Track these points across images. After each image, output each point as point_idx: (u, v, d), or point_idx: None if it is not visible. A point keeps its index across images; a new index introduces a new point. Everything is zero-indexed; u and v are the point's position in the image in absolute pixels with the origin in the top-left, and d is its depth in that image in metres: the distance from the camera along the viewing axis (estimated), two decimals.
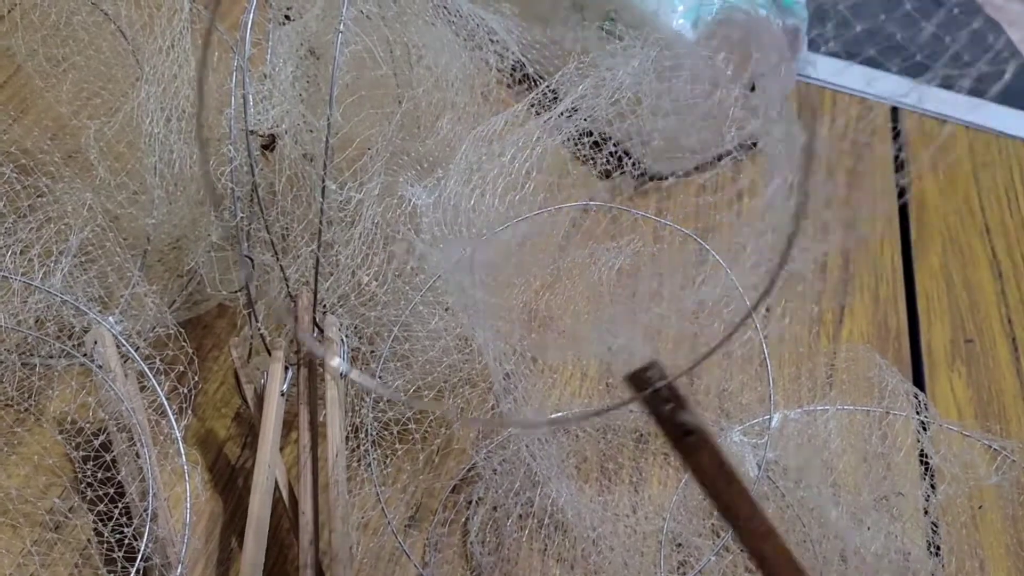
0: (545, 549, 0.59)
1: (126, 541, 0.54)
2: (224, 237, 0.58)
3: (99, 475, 0.56)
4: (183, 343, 0.58)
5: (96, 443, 0.57)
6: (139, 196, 0.59)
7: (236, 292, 0.61)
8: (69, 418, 0.59)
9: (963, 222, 0.86)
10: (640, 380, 0.35)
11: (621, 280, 0.71)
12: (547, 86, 0.64)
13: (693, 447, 0.36)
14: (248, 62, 0.55)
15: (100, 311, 0.58)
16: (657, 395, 0.35)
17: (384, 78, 0.60)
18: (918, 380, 0.72)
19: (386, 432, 0.58)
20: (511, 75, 0.71)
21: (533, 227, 0.63)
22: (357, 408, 0.57)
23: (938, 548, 0.58)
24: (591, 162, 0.70)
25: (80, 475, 0.57)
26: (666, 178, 0.80)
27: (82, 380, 0.59)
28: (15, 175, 0.60)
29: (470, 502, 0.61)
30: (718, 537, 0.58)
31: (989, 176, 0.90)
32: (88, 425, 0.59)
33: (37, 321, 0.58)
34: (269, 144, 0.57)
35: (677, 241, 0.73)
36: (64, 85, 0.60)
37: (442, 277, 0.57)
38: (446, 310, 0.59)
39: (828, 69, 0.99)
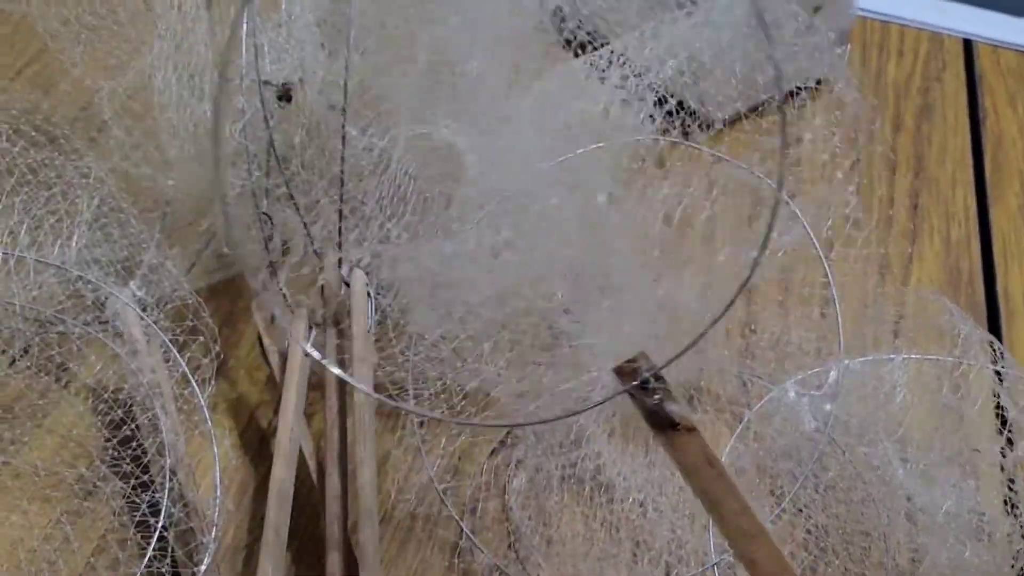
0: (588, 513, 0.56)
1: (157, 506, 0.52)
2: (242, 195, 0.55)
3: (127, 444, 0.55)
4: (202, 313, 0.56)
5: (121, 413, 0.56)
6: (157, 156, 0.57)
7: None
8: (95, 388, 0.58)
9: None
10: (627, 372, 0.37)
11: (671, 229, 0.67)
12: (610, 51, 0.62)
13: (680, 439, 0.37)
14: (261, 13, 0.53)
15: (124, 275, 0.56)
16: (644, 387, 0.37)
17: (409, 19, 0.57)
18: (994, 327, 0.67)
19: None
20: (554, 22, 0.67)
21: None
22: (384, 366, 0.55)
23: (1015, 506, 0.53)
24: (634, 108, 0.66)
25: (108, 445, 0.55)
26: (723, 124, 0.76)
27: (107, 349, 0.57)
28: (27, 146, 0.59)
29: (509, 465, 0.58)
30: (772, 496, 0.54)
31: None
32: (113, 395, 0.57)
33: (54, 296, 0.56)
34: (285, 95, 0.54)
35: (731, 187, 0.69)
36: (76, 47, 0.58)
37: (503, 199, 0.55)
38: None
39: (893, 2, 0.93)
